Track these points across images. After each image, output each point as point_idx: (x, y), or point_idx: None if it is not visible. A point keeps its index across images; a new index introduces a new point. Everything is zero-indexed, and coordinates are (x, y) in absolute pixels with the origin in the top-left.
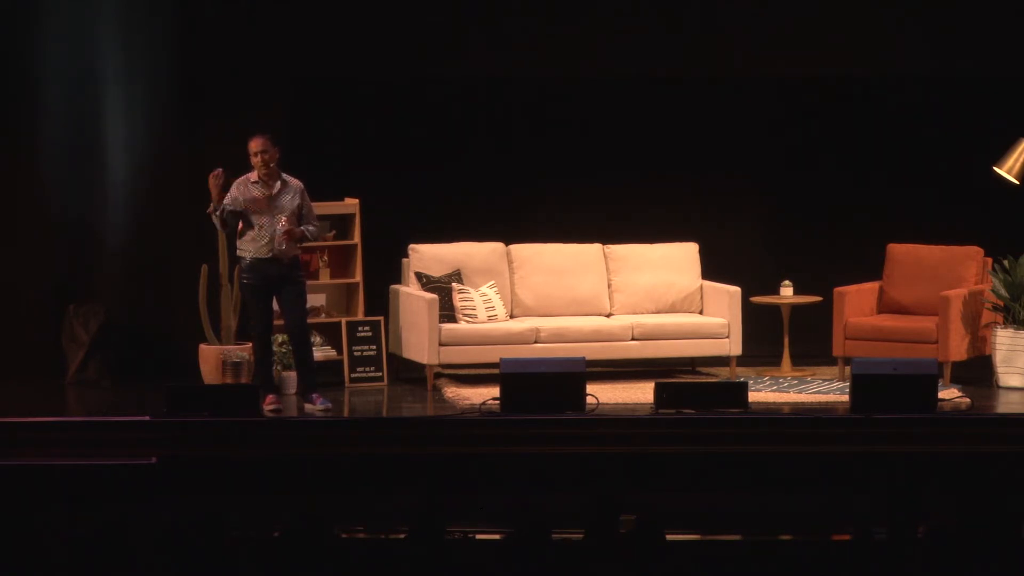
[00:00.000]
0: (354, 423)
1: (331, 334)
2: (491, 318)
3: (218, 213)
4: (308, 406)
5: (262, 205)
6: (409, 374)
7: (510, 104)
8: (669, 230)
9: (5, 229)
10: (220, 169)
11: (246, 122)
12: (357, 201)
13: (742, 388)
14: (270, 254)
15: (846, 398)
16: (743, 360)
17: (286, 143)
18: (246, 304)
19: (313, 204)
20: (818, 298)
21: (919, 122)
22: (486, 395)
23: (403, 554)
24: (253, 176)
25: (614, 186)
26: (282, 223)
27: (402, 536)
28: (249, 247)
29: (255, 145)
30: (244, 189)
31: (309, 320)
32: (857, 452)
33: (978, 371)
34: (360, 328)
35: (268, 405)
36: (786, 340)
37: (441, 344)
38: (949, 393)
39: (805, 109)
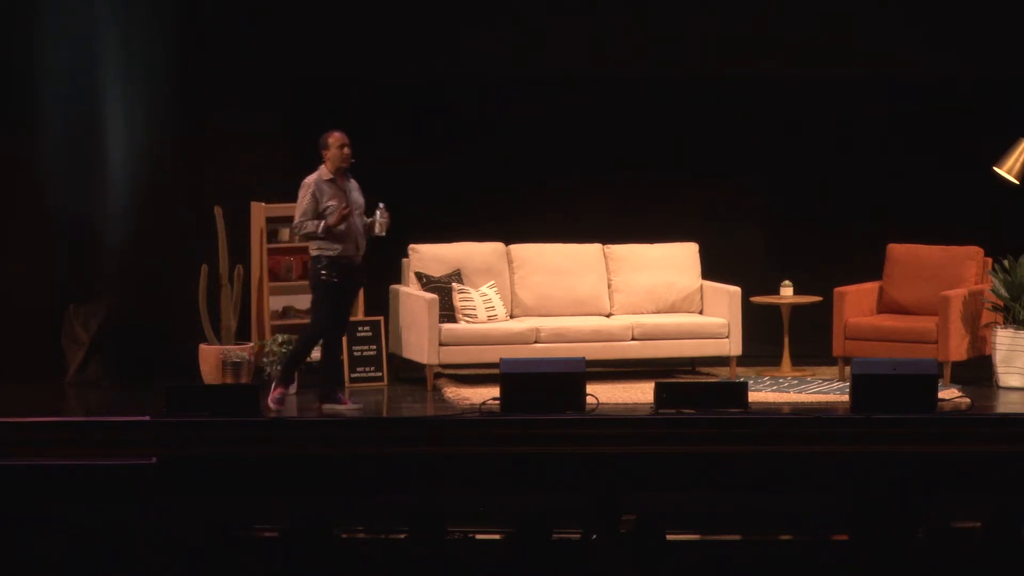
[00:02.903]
0: (354, 423)
1: None
2: (491, 318)
3: (321, 232)
4: (340, 407)
5: (343, 201)
6: (409, 374)
7: (510, 104)
8: (669, 230)
9: (5, 229)
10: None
11: (246, 122)
12: None
13: (742, 388)
14: (357, 251)
15: (846, 398)
16: (743, 360)
17: (286, 143)
18: (318, 302)
19: None
20: (818, 298)
21: (920, 122)
22: (486, 395)
23: (403, 554)
24: (326, 175)
25: (614, 186)
26: (383, 212)
27: (402, 536)
28: (336, 244)
29: (340, 139)
30: (325, 189)
31: (308, 320)
32: (857, 452)
33: (978, 371)
34: (360, 328)
35: (275, 402)
36: (786, 340)
37: (441, 344)
38: (949, 393)
39: (805, 109)
